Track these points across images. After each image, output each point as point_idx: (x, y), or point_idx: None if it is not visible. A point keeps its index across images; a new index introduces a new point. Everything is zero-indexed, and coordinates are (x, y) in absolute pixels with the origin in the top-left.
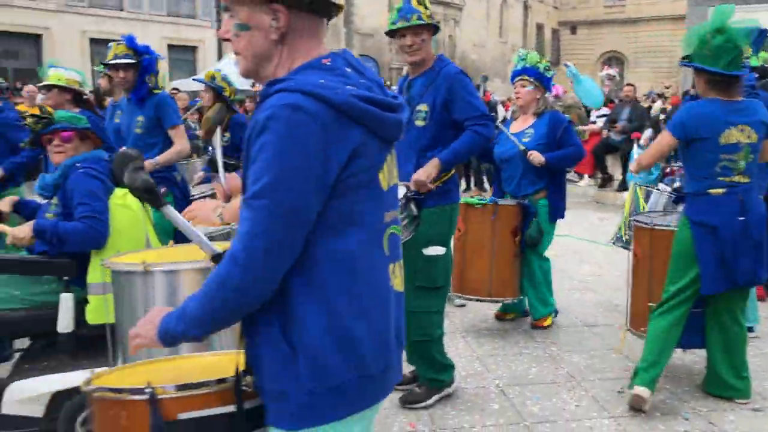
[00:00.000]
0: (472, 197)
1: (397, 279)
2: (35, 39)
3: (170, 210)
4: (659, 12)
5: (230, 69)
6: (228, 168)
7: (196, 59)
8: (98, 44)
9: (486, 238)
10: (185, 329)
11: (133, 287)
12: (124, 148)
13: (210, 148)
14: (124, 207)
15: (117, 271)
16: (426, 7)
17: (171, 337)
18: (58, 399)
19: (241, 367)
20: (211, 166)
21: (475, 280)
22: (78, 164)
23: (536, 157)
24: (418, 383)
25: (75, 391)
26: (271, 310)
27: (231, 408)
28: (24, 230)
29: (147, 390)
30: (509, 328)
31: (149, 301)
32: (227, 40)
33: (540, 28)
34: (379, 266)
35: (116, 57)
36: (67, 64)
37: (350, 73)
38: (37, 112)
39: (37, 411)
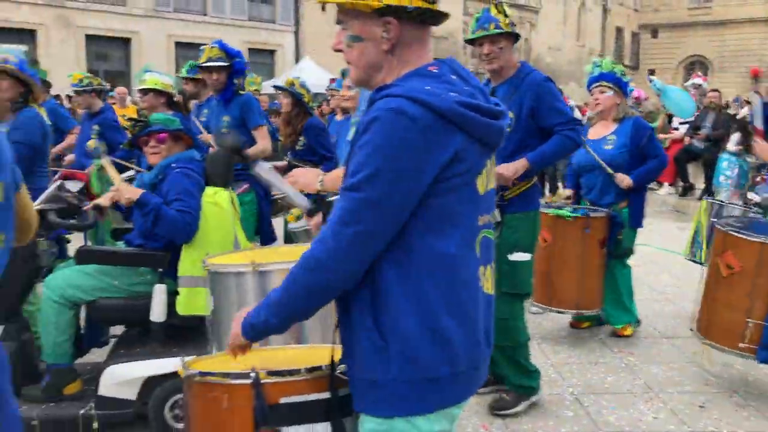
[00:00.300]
0: (559, 208)
1: (487, 282)
2: (125, 42)
3: (261, 166)
4: (749, 14)
5: (309, 71)
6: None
7: (275, 62)
8: (182, 48)
9: (576, 250)
10: (267, 317)
11: (242, 287)
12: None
13: (288, 154)
14: (214, 204)
15: (225, 273)
16: (506, 16)
17: (253, 328)
18: (150, 384)
19: (336, 357)
20: (290, 169)
21: (562, 291)
22: (173, 164)
23: (624, 180)
24: (506, 389)
25: (165, 376)
26: (365, 301)
27: (326, 394)
28: (133, 192)
29: (252, 374)
30: (585, 337)
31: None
32: (339, 50)
33: (619, 31)
34: (470, 267)
35: (210, 60)
36: (155, 65)
37: (455, 80)
38: (128, 112)
39: (131, 394)
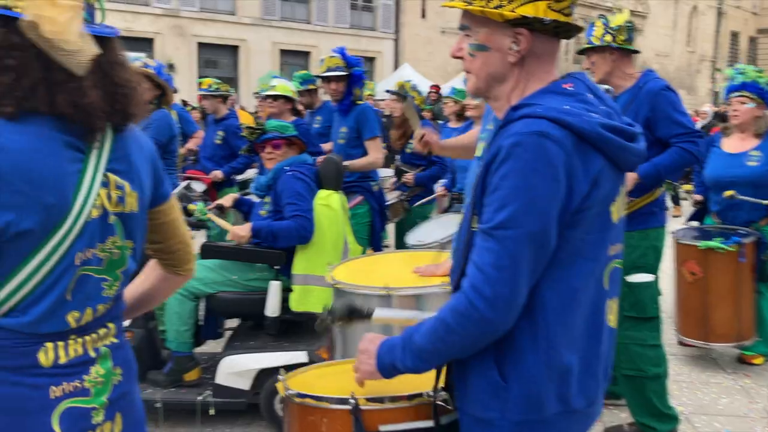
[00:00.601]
0: (706, 237)
1: (612, 315)
2: (233, 50)
3: (381, 313)
4: None
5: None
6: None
7: (374, 69)
8: (286, 55)
9: (732, 281)
10: (413, 363)
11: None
12: (330, 154)
13: (396, 156)
14: (326, 207)
15: (357, 294)
16: (608, 30)
17: (394, 369)
18: (262, 376)
19: (441, 384)
20: (398, 174)
21: (722, 326)
22: (286, 167)
23: None
24: (630, 422)
25: (277, 369)
26: None
27: (429, 423)
28: (244, 229)
29: (351, 400)
30: (695, 355)
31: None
32: (459, 57)
33: (735, 35)
34: (597, 300)
35: (329, 69)
36: (260, 72)
37: (591, 98)
38: (245, 119)
39: (245, 384)
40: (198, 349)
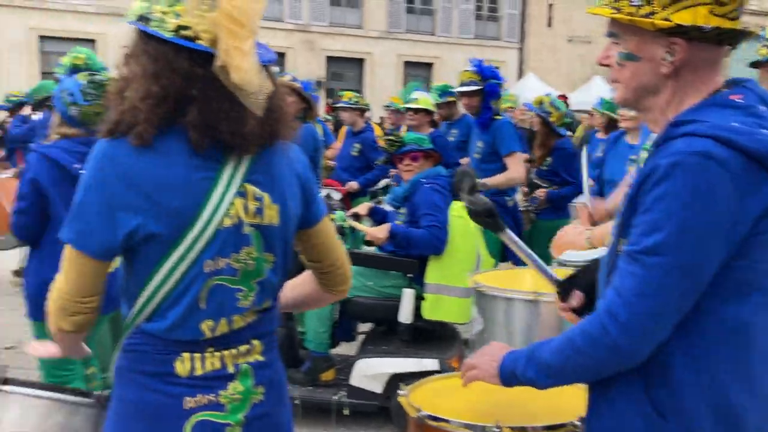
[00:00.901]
0: None
1: None
2: (359, 62)
3: (509, 235)
4: None
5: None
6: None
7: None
8: (410, 66)
9: None
10: (536, 376)
11: (514, 313)
12: (464, 166)
13: (533, 172)
14: (461, 218)
15: (502, 297)
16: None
17: (514, 379)
18: (395, 380)
19: (582, 413)
20: (531, 187)
21: None
22: (423, 180)
23: None
24: None
25: (408, 375)
26: (634, 370)
27: None
28: (382, 230)
29: (495, 430)
30: None
31: (532, 330)
32: (606, 65)
33: None
34: None
35: (462, 84)
36: (384, 85)
37: (764, 111)
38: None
39: (377, 387)
40: (332, 351)
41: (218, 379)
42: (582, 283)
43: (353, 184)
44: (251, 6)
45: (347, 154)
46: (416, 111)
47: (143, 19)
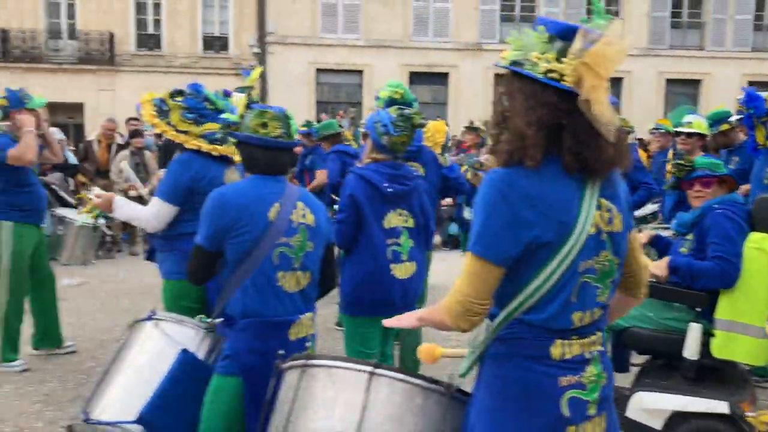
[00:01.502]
0: None
1: None
2: (617, 81)
3: None
4: None
5: None
6: None
7: None
8: (672, 84)
9: None
10: None
11: None
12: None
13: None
14: (759, 250)
15: None
16: None
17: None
18: (676, 418)
19: None
20: None
21: None
22: (716, 205)
23: None
24: None
25: (693, 414)
26: None
27: None
28: (661, 268)
29: None
30: None
31: None
32: None
33: None
34: None
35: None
36: (643, 103)
37: None
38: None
39: (656, 423)
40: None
41: (580, 363)
42: None
43: None
44: (613, 57)
45: None
46: (690, 135)
47: (516, 63)
